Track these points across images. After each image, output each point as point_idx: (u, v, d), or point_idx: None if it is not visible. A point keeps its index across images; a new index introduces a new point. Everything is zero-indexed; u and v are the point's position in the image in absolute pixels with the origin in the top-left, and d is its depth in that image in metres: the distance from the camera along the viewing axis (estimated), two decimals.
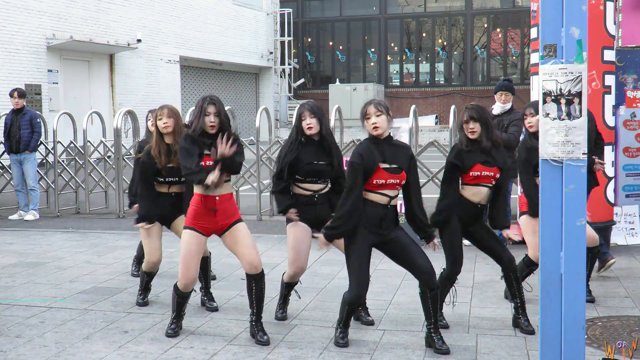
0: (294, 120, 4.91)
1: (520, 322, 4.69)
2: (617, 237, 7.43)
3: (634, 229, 7.54)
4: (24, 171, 9.83)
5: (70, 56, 18.58)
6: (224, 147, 4.32)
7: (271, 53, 27.45)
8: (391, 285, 5.93)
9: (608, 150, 6.94)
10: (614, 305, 5.28)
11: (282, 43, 27.58)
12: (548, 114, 3.37)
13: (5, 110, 10.56)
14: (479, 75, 27.90)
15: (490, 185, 4.69)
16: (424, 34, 28.49)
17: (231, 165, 4.39)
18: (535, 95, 6.82)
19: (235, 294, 5.72)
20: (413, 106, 9.28)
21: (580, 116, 3.33)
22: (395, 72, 28.65)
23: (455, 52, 28.12)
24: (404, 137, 13.37)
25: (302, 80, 28.42)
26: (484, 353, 4.28)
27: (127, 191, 10.17)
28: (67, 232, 8.87)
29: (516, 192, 6.73)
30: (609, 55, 6.81)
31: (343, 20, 28.72)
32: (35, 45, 17.30)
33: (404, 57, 28.30)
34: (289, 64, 27.76)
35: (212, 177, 4.30)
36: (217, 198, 4.47)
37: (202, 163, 4.41)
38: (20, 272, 6.64)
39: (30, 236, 8.57)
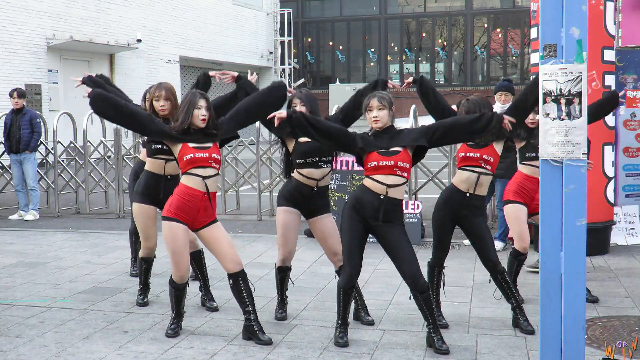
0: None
1: (520, 322, 4.69)
2: (617, 237, 7.43)
3: (634, 229, 7.55)
4: (24, 171, 9.83)
5: (70, 56, 18.58)
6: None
7: (271, 53, 27.46)
8: (391, 285, 5.93)
9: (608, 150, 6.95)
10: (614, 305, 5.28)
11: (282, 43, 27.59)
12: (548, 114, 3.37)
13: (5, 110, 10.56)
14: (479, 75, 27.90)
15: (478, 168, 4.63)
16: (424, 34, 28.49)
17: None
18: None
19: None
20: (413, 106, 9.27)
21: (580, 116, 3.33)
22: (395, 72, 28.64)
23: (455, 52, 28.12)
24: None
25: (302, 80, 28.40)
26: (484, 353, 4.28)
27: (127, 191, 10.20)
28: (67, 232, 8.87)
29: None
30: (609, 55, 6.81)
31: (343, 20, 28.72)
32: (35, 45, 17.29)
33: (404, 57, 28.30)
34: (289, 64, 27.76)
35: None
36: (205, 194, 4.45)
37: (192, 154, 4.41)
38: (20, 272, 6.64)
39: (30, 236, 8.56)
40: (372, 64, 28.72)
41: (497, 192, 7.40)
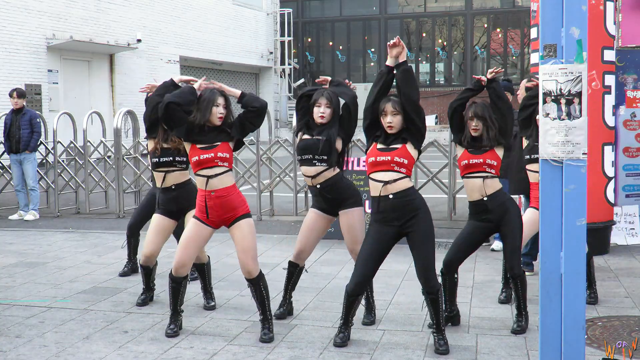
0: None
1: (514, 322, 4.72)
2: (617, 237, 7.43)
3: (634, 229, 7.55)
4: (24, 171, 9.83)
5: (70, 56, 18.58)
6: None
7: (271, 53, 27.45)
8: (391, 285, 5.93)
9: (608, 150, 6.95)
10: (614, 305, 5.29)
11: (282, 43, 27.58)
12: (548, 114, 3.37)
13: (5, 110, 10.56)
14: (479, 76, 27.89)
15: (482, 173, 4.63)
16: (424, 34, 28.49)
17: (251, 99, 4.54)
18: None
19: (235, 294, 5.72)
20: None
21: (580, 116, 3.33)
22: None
23: (455, 52, 28.13)
24: None
25: (302, 80, 28.41)
26: (484, 353, 4.28)
27: (127, 191, 10.21)
28: (67, 232, 8.87)
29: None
30: (609, 55, 6.81)
31: (343, 20, 28.72)
32: (35, 45, 17.29)
33: None
34: (289, 64, 27.76)
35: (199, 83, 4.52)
36: (213, 193, 4.45)
37: (197, 157, 4.42)
38: (20, 272, 6.64)
39: (30, 236, 8.56)
40: (372, 64, 28.72)
41: None
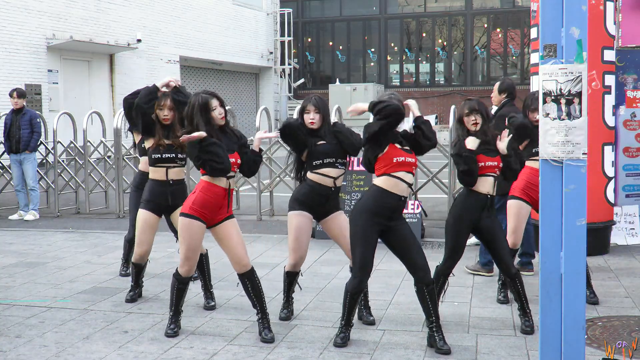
0: (296, 112, 4.94)
1: (521, 322, 4.72)
2: (617, 237, 7.43)
3: (634, 229, 7.55)
4: (24, 171, 9.82)
5: (70, 56, 18.57)
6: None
7: (271, 53, 27.45)
8: (391, 285, 5.93)
9: (608, 151, 6.95)
10: (614, 305, 5.28)
11: (282, 43, 27.57)
12: (548, 114, 3.37)
13: (5, 110, 10.55)
14: (479, 75, 27.89)
15: (495, 175, 4.69)
16: (424, 34, 28.48)
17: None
18: None
19: (235, 294, 5.72)
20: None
21: (580, 116, 3.33)
22: (395, 72, 28.63)
23: (455, 52, 28.11)
24: None
25: (302, 80, 28.40)
26: (484, 353, 4.28)
27: (127, 191, 10.20)
28: (67, 232, 8.87)
29: None
30: (609, 55, 6.81)
31: (343, 20, 28.70)
32: (35, 45, 17.29)
33: (404, 57, 28.28)
34: (289, 64, 27.75)
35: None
36: (229, 191, 4.49)
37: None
38: (20, 272, 6.64)
39: (30, 236, 8.56)
40: (372, 64, 28.71)
41: None
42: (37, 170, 10.14)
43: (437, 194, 9.21)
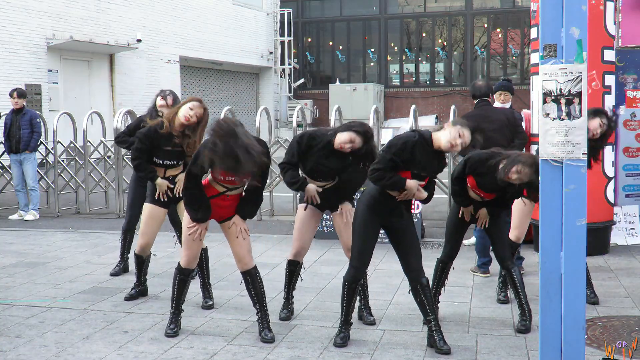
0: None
1: (518, 320, 4.74)
2: (617, 237, 7.43)
3: (634, 229, 7.55)
4: (24, 171, 9.82)
5: (70, 56, 18.57)
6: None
7: (271, 53, 27.44)
8: (391, 285, 5.93)
9: (608, 150, 6.94)
10: (614, 305, 5.29)
11: (282, 43, 27.57)
12: (548, 114, 3.37)
13: (5, 110, 10.55)
14: (479, 75, 27.85)
15: (483, 199, 4.81)
16: (424, 34, 28.47)
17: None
18: (535, 95, 6.82)
19: (236, 294, 5.72)
20: (413, 106, 9.28)
21: (580, 116, 3.33)
22: (395, 72, 28.61)
23: (455, 52, 28.10)
24: None
25: (302, 80, 28.40)
26: (484, 353, 4.28)
27: (127, 191, 10.20)
28: (67, 232, 8.87)
29: None
30: (609, 55, 6.81)
31: (343, 20, 28.69)
32: (35, 45, 17.29)
33: (404, 57, 28.27)
34: (289, 64, 27.74)
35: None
36: (227, 197, 4.50)
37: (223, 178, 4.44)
38: (20, 272, 6.64)
39: (30, 236, 8.56)
40: (372, 64, 28.70)
41: None
42: (37, 170, 10.14)
43: (437, 194, 9.19)
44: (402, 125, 21.23)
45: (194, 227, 4.51)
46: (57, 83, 18.00)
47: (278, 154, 10.13)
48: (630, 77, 7.22)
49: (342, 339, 4.43)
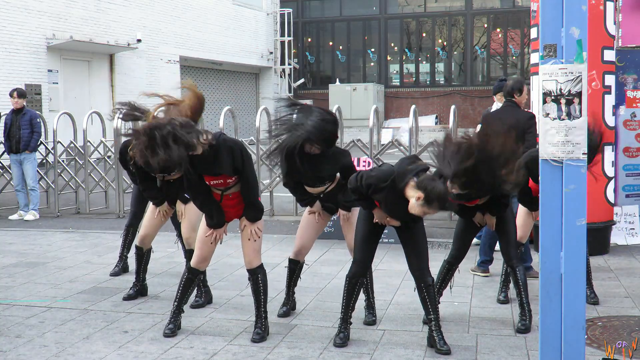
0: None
1: (518, 320, 4.74)
2: (617, 237, 7.43)
3: (634, 229, 7.55)
4: (24, 171, 9.82)
5: (70, 56, 18.57)
6: None
7: (271, 53, 27.44)
8: (391, 285, 5.93)
9: (608, 150, 6.94)
10: (614, 305, 5.29)
11: (282, 43, 27.57)
12: (548, 114, 3.37)
13: (5, 110, 10.55)
14: (479, 75, 27.89)
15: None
16: (424, 34, 28.48)
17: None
18: (535, 95, 6.82)
19: (235, 294, 5.72)
20: (413, 106, 9.28)
21: (580, 116, 3.33)
22: (395, 72, 28.63)
23: (455, 52, 28.11)
24: (404, 137, 13.42)
25: (302, 80, 28.40)
26: (484, 353, 4.28)
27: (127, 191, 10.20)
28: (67, 232, 8.87)
29: None
30: (609, 55, 6.81)
31: (343, 20, 28.70)
32: (35, 45, 17.28)
33: (404, 57, 28.28)
34: (289, 64, 27.74)
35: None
36: (230, 195, 4.50)
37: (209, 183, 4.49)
38: (20, 272, 6.64)
39: (30, 236, 8.56)
40: (372, 64, 28.71)
41: None
42: (37, 170, 10.14)
43: None
44: (402, 125, 21.24)
45: (211, 233, 4.56)
46: (57, 83, 18.00)
47: None
48: (630, 77, 7.22)
49: (342, 339, 4.43)
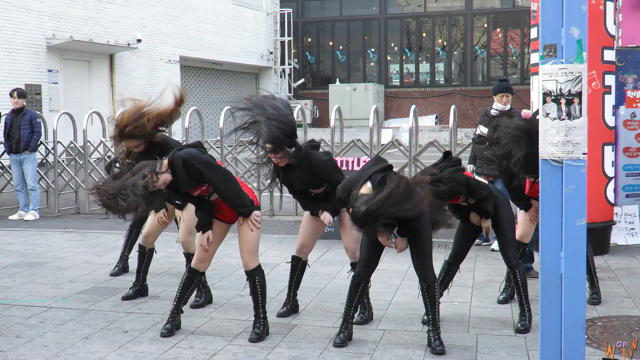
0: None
1: (518, 320, 4.74)
2: (617, 237, 7.43)
3: (634, 229, 7.54)
4: (24, 171, 9.82)
5: (70, 56, 18.58)
6: None
7: (271, 53, 27.45)
8: (391, 285, 5.93)
9: (608, 150, 6.94)
10: (614, 305, 5.28)
11: (282, 43, 27.58)
12: (548, 114, 3.37)
13: (6, 110, 10.56)
14: (479, 75, 27.90)
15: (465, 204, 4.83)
16: (424, 34, 28.48)
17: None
18: (535, 95, 6.82)
19: (235, 294, 5.72)
20: (413, 106, 9.28)
21: (580, 116, 3.33)
22: (395, 72, 28.63)
23: (455, 52, 28.11)
24: (404, 137, 13.40)
25: (302, 80, 28.40)
26: (484, 353, 4.28)
27: None
28: (67, 232, 8.87)
29: None
30: (609, 55, 6.81)
31: (343, 20, 28.71)
32: (35, 45, 17.29)
33: (404, 57, 28.29)
34: (289, 64, 27.75)
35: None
36: (217, 199, 4.56)
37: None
38: (20, 272, 6.64)
39: (30, 236, 8.56)
40: (372, 64, 28.72)
41: None
42: (37, 170, 10.14)
43: None
44: (402, 125, 21.24)
45: (202, 236, 4.64)
46: (57, 83, 18.01)
47: None
48: (630, 77, 7.22)
49: (342, 339, 4.43)
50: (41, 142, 10.35)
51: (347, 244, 4.90)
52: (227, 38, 24.92)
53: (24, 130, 9.69)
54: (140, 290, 5.68)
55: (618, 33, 7.23)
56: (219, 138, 10.23)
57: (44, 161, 11.15)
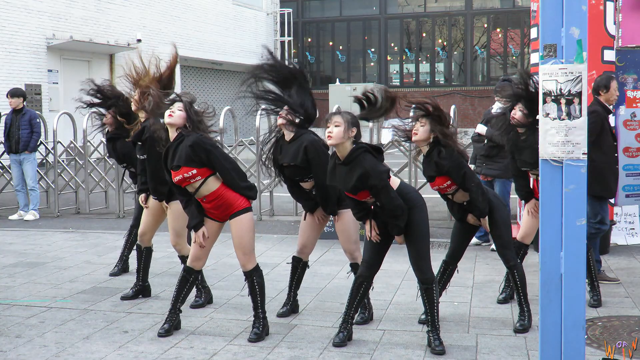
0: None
1: (517, 319, 4.75)
2: (617, 237, 7.43)
3: (634, 229, 7.55)
4: (24, 171, 9.82)
5: (70, 56, 18.57)
6: None
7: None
8: (391, 285, 5.93)
9: None
10: (614, 305, 5.28)
11: (282, 43, 27.58)
12: (548, 114, 3.37)
13: (5, 111, 10.56)
14: (479, 75, 27.89)
15: (451, 192, 4.84)
16: (424, 34, 28.48)
17: None
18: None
19: (235, 294, 5.72)
20: (413, 106, 9.26)
21: (580, 116, 3.33)
22: (395, 72, 28.62)
23: (455, 52, 28.10)
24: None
25: None
26: (484, 353, 4.28)
27: (127, 191, 10.21)
28: (67, 232, 8.87)
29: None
30: (609, 55, 6.82)
31: (343, 20, 28.70)
32: (35, 45, 17.29)
33: (404, 57, 28.28)
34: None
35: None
36: (204, 199, 4.56)
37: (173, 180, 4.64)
38: (20, 272, 6.64)
39: (30, 236, 8.56)
40: (372, 64, 28.71)
41: (497, 192, 7.39)
42: (37, 170, 10.14)
43: (436, 194, 9.19)
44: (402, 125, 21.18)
45: (195, 235, 4.66)
46: (57, 83, 18.01)
47: None
48: (630, 77, 7.22)
49: (341, 339, 4.43)
50: (41, 142, 10.35)
51: (344, 245, 4.90)
52: (227, 38, 24.91)
53: (24, 130, 9.69)
54: (140, 290, 5.67)
55: (618, 33, 7.23)
56: (219, 138, 10.22)
57: (44, 161, 11.15)
